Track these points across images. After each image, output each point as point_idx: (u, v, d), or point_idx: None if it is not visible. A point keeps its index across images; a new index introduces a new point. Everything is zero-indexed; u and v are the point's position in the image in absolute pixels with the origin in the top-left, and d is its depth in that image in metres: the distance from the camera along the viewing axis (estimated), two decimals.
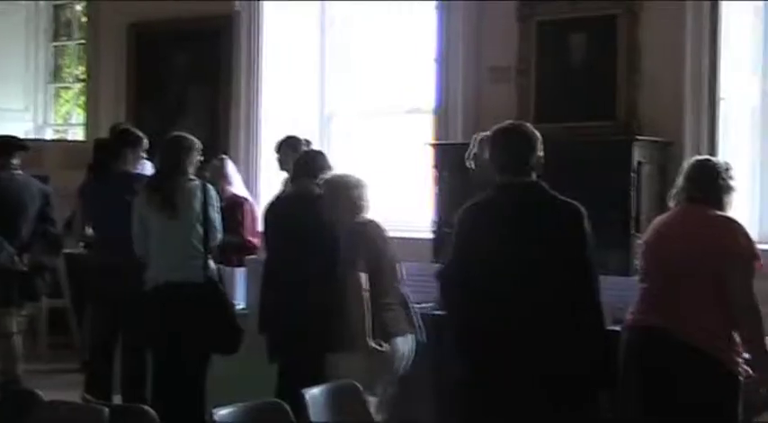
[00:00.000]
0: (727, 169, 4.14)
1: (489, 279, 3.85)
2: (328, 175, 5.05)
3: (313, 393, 3.62)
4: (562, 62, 6.66)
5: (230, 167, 6.72)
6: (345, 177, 4.99)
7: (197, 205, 5.26)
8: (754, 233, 4.76)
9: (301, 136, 6.48)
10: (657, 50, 6.35)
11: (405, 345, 4.76)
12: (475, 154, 4.81)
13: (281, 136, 6.48)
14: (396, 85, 7.84)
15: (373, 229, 4.87)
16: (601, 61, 6.52)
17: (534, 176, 3.97)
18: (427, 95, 7.27)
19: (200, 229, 5.24)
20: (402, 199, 7.38)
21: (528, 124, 4.17)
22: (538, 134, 4.02)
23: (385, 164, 7.59)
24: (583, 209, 3.95)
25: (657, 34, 6.35)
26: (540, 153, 3.98)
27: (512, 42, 6.80)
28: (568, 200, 3.97)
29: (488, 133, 4.20)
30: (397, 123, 7.81)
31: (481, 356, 3.89)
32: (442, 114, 7.07)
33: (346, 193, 4.86)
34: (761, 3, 6.44)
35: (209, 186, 5.42)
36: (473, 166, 4.85)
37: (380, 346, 4.63)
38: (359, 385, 3.84)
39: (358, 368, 4.43)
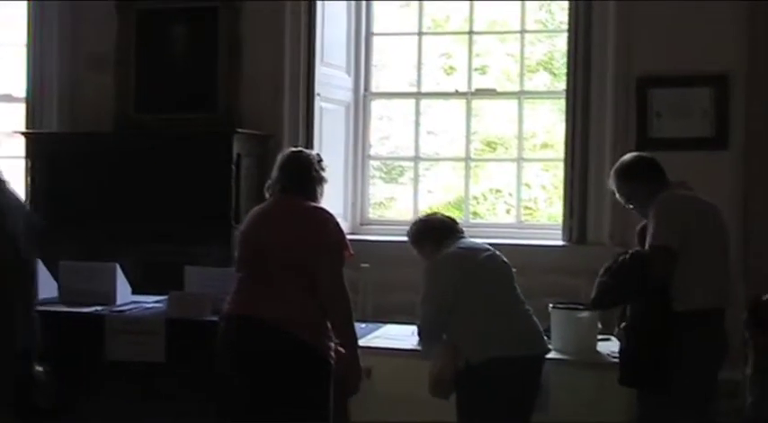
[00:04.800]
0: (319, 161, 4.27)
1: None
2: None
3: None
4: (163, 52, 6.57)
5: None
6: None
7: None
8: (344, 224, 4.98)
9: None
10: (258, 46, 6.46)
11: None
12: None
13: None
14: None
15: None
16: (202, 53, 6.51)
17: None
18: (19, 82, 6.88)
19: None
20: None
21: None
22: None
23: None
24: None
25: (258, 30, 6.46)
26: None
27: (110, 30, 6.62)
28: None
29: None
30: None
31: None
32: (36, 102, 6.73)
33: None
34: (354, 4, 6.77)
35: None
36: None
37: None
38: None
39: None
